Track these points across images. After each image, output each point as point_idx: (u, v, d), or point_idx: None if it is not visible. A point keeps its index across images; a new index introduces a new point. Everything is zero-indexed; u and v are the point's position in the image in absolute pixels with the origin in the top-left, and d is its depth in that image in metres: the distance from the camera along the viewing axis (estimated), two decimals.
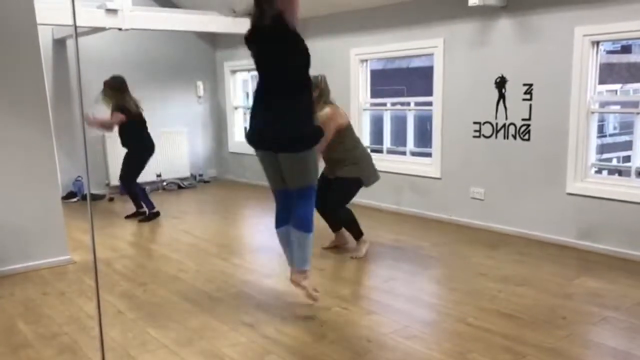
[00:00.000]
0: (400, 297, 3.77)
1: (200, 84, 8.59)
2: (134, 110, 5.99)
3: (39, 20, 4.39)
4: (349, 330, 3.25)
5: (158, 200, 7.28)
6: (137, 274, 4.36)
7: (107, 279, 4.21)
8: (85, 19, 5.85)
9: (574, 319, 3.35)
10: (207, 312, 3.55)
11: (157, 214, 6.21)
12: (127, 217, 6.25)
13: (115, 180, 7.18)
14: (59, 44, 7.29)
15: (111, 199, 7.42)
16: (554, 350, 2.94)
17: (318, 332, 3.22)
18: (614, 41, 6.25)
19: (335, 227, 4.86)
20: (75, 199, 7.32)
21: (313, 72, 7.18)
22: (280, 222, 3.60)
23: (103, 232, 5.63)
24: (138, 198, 6.21)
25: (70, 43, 7.32)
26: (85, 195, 7.32)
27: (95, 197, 7.41)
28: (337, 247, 4.89)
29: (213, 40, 8.64)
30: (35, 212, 4.43)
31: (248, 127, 3.54)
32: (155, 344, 3.11)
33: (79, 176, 7.43)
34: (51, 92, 6.33)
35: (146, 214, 6.16)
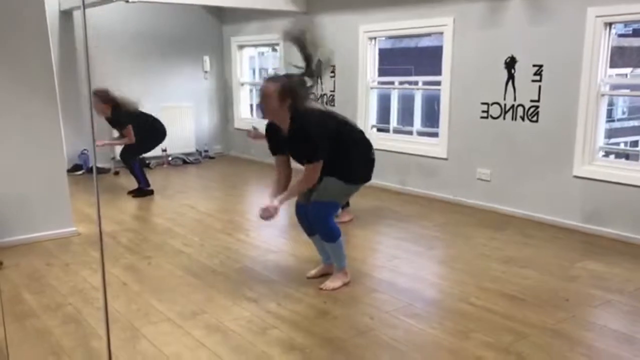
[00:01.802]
0: (403, 276, 3.77)
1: (206, 58, 8.53)
2: (133, 109, 5.94)
3: None
4: (352, 307, 3.26)
5: (163, 175, 7.30)
6: (141, 247, 4.38)
7: (112, 252, 4.23)
8: None
9: (577, 301, 3.35)
10: (211, 287, 3.57)
11: (150, 192, 6.15)
12: (130, 192, 6.24)
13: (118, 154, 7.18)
14: (66, 15, 7.24)
15: (116, 173, 7.43)
16: (556, 331, 2.94)
17: (321, 308, 3.24)
18: (626, 23, 6.16)
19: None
20: (80, 172, 7.33)
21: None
22: (312, 232, 3.67)
23: (108, 205, 5.65)
24: (134, 172, 6.17)
25: (77, 15, 7.27)
26: (91, 168, 7.34)
27: (101, 171, 7.41)
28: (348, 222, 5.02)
29: (220, 14, 8.56)
30: (41, 184, 4.44)
31: (364, 168, 3.61)
32: (159, 317, 3.13)
33: (84, 149, 7.44)
34: (57, 64, 6.30)
35: (140, 190, 6.13)
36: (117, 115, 5.88)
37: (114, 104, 5.85)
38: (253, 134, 5.24)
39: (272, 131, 3.51)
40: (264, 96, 3.30)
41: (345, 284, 3.53)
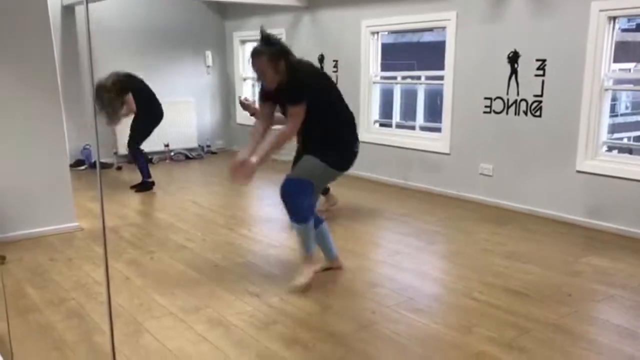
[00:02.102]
0: (405, 270, 3.77)
1: (209, 53, 8.52)
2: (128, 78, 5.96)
3: None
4: (354, 301, 3.26)
5: (165, 170, 7.31)
6: (144, 242, 4.38)
7: (115, 246, 4.23)
8: None
9: (580, 297, 3.34)
10: (214, 281, 3.57)
11: (151, 185, 6.13)
12: (133, 187, 6.24)
13: (122, 149, 7.19)
14: (68, 10, 7.23)
15: (119, 168, 7.43)
16: (559, 326, 2.94)
17: (323, 302, 3.24)
18: (630, 17, 6.14)
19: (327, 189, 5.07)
20: (83, 167, 7.34)
21: (324, 43, 7.12)
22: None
23: (111, 200, 5.66)
24: (139, 164, 6.16)
25: (79, 9, 7.26)
26: (93, 163, 7.35)
27: (103, 166, 7.43)
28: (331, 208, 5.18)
29: (222, 9, 8.55)
30: (44, 179, 4.44)
31: (345, 155, 3.49)
32: (161, 311, 3.13)
33: (87, 144, 7.44)
34: (60, 59, 6.29)
35: (146, 184, 6.12)
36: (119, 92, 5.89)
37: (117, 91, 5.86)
38: (245, 104, 5.06)
39: None
40: (260, 71, 3.31)
41: (317, 272, 3.49)
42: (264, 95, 3.50)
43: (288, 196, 3.32)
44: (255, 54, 3.34)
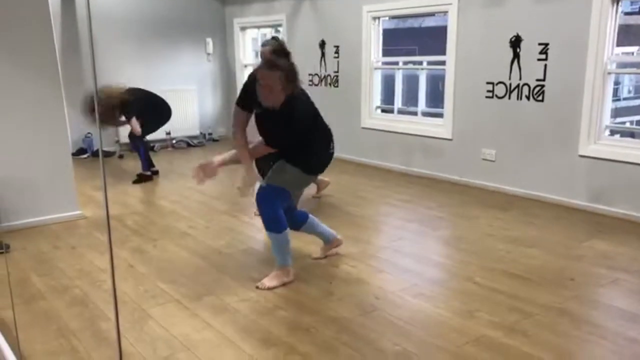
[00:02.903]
0: (408, 256, 3.78)
1: (209, 40, 8.49)
2: (133, 94, 5.91)
3: None
4: (357, 287, 3.27)
5: (168, 158, 7.31)
6: (147, 230, 4.39)
7: (118, 234, 4.25)
8: None
9: (583, 281, 3.35)
10: (217, 268, 3.58)
11: (148, 177, 6.08)
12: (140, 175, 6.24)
13: (124, 138, 7.19)
14: (67, 0, 7.19)
15: (121, 156, 7.44)
16: (561, 310, 2.95)
17: (326, 289, 3.25)
18: (632, 1, 6.09)
19: None
20: (85, 156, 7.35)
21: (325, 29, 7.08)
22: (296, 226, 3.59)
23: (113, 188, 5.66)
24: (140, 156, 6.16)
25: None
26: (95, 151, 7.35)
27: (106, 154, 7.43)
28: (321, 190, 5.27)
29: None
30: (46, 167, 4.45)
31: (321, 160, 3.47)
32: (165, 298, 3.15)
33: (88, 132, 7.44)
34: (60, 49, 6.28)
35: (142, 176, 6.10)
36: (122, 111, 5.85)
37: (119, 105, 5.78)
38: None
39: (252, 85, 3.20)
40: (267, 86, 3.05)
41: (285, 284, 3.29)
42: (246, 105, 3.32)
43: (264, 204, 3.25)
44: (270, 67, 3.09)
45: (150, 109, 6.04)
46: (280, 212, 3.27)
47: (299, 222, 3.58)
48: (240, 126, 3.41)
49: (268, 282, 3.28)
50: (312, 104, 3.40)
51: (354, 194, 5.36)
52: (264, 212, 3.26)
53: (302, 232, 3.64)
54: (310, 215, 3.66)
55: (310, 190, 5.15)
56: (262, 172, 4.04)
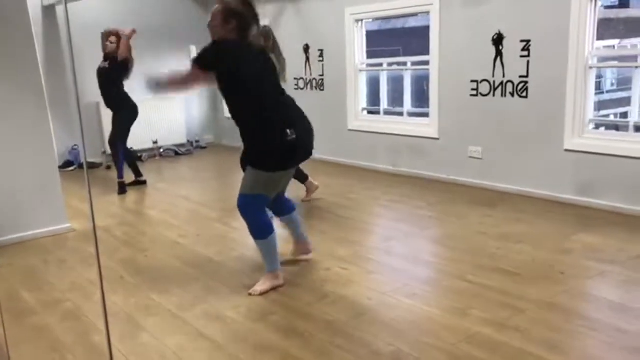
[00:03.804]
0: (399, 256, 3.79)
1: (193, 48, 8.42)
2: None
3: None
4: (349, 289, 3.28)
5: (155, 167, 7.28)
6: (137, 240, 4.38)
7: (108, 246, 4.23)
8: None
9: (572, 274, 3.38)
10: (209, 276, 3.58)
11: (123, 188, 5.96)
12: (129, 184, 6.21)
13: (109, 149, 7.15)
14: (49, 10, 7.17)
15: (108, 167, 7.40)
16: (553, 304, 2.97)
17: (319, 292, 3.25)
18: None
19: (304, 177, 5.13)
20: (72, 168, 7.31)
21: (309, 33, 7.11)
22: (278, 213, 3.59)
23: (102, 199, 5.64)
24: (133, 165, 6.14)
25: (60, 9, 7.19)
26: (82, 163, 7.31)
27: (92, 166, 7.39)
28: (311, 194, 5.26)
29: (206, 2, 8.49)
30: (33, 181, 4.42)
31: (281, 153, 3.13)
32: (158, 308, 3.14)
33: (75, 145, 7.40)
34: (43, 60, 6.23)
35: (142, 182, 6.09)
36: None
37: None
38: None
39: None
40: (212, 15, 3.21)
41: (276, 288, 3.29)
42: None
43: (243, 213, 3.23)
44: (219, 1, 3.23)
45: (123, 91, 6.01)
46: (263, 218, 3.25)
47: (284, 209, 3.57)
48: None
49: (259, 287, 3.27)
50: (243, 51, 3.14)
51: (343, 196, 5.37)
52: (247, 222, 3.26)
53: (282, 221, 3.63)
54: (296, 212, 3.66)
55: (300, 193, 5.16)
56: None
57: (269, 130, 3.10)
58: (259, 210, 3.24)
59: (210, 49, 3.13)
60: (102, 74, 5.93)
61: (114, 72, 5.85)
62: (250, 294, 3.25)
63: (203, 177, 6.83)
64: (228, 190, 6.06)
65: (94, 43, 6.05)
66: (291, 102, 3.32)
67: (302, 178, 5.13)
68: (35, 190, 4.43)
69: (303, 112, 3.31)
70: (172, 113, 8.24)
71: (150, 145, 7.84)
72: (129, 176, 6.21)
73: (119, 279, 3.60)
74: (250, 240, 4.20)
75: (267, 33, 4.65)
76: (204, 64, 3.12)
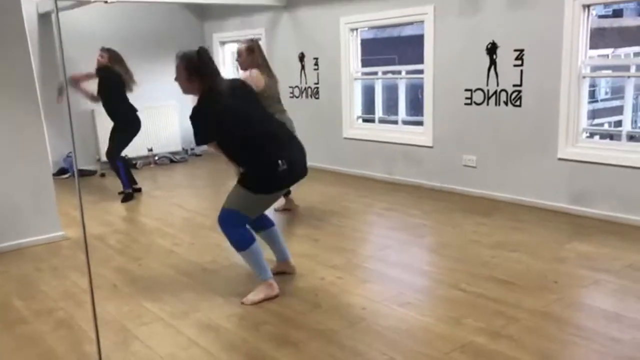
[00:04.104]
0: (393, 265, 3.79)
1: None
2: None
3: None
4: (343, 298, 3.27)
5: (150, 175, 7.27)
6: (131, 249, 4.36)
7: (102, 254, 4.21)
8: None
9: (566, 283, 3.38)
10: (202, 285, 3.57)
11: (130, 196, 5.98)
12: (120, 192, 6.20)
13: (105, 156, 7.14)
14: (44, 18, 7.17)
15: (102, 175, 7.39)
16: (546, 313, 2.98)
17: (313, 301, 3.25)
18: (605, 4, 6.20)
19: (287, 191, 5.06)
20: (66, 175, 7.28)
21: (304, 42, 7.12)
22: (257, 229, 3.49)
23: (96, 207, 5.62)
24: (119, 175, 6.11)
25: (56, 17, 7.19)
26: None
27: (87, 173, 7.38)
28: (287, 210, 5.16)
29: (201, 11, 8.52)
30: (27, 189, 4.40)
31: (268, 178, 3.19)
32: (151, 317, 3.12)
33: (69, 152, 7.38)
34: (38, 68, 6.24)
35: (125, 195, 6.04)
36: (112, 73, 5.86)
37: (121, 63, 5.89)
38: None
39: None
40: (176, 71, 3.33)
41: (271, 298, 3.26)
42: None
43: (222, 226, 3.27)
44: (177, 57, 3.40)
45: (125, 102, 5.99)
46: (241, 230, 3.27)
47: (263, 224, 3.53)
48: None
49: (252, 296, 3.26)
50: (220, 102, 3.20)
51: (338, 204, 5.37)
52: (226, 236, 3.28)
53: (260, 237, 3.52)
54: (275, 227, 3.59)
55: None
56: None
57: (260, 165, 3.19)
58: (237, 224, 3.27)
59: (197, 123, 3.18)
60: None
61: (99, 86, 5.86)
62: (242, 303, 3.24)
63: (197, 185, 6.82)
64: (222, 198, 6.01)
65: (89, 51, 6.05)
66: (279, 127, 3.41)
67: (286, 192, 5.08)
68: (29, 197, 4.42)
69: (292, 133, 3.42)
70: (167, 121, 8.24)
71: (145, 152, 7.83)
72: (120, 186, 6.18)
73: (113, 287, 3.59)
74: None
75: (251, 47, 4.72)
76: (207, 139, 3.25)
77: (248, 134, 3.18)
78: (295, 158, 3.24)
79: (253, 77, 4.58)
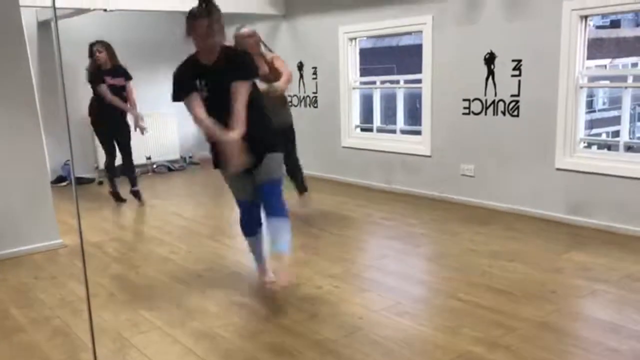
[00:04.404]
0: (391, 274, 3.79)
1: None
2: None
3: (21, 2, 4.32)
4: (340, 307, 3.27)
5: (148, 183, 7.26)
6: (128, 257, 4.36)
7: (99, 262, 4.20)
8: (68, 1, 5.75)
9: (564, 293, 3.38)
10: (199, 293, 3.56)
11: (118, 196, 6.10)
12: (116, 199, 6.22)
13: (103, 164, 7.14)
14: (44, 26, 7.18)
15: (100, 183, 7.38)
16: (544, 323, 2.97)
17: (310, 310, 3.24)
18: (602, 15, 6.23)
19: (302, 186, 5.17)
20: (64, 183, 7.28)
21: (303, 51, 7.15)
22: (252, 230, 3.53)
23: (93, 215, 5.62)
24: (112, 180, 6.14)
25: (55, 25, 7.21)
26: (75, 178, 7.29)
27: (85, 181, 7.37)
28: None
29: None
30: (25, 196, 4.40)
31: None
32: (147, 326, 3.11)
33: (67, 160, 7.38)
34: (37, 76, 6.25)
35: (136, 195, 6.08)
36: (119, 67, 5.91)
37: (113, 59, 5.92)
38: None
39: (187, 69, 3.34)
40: (203, 35, 3.10)
41: (263, 282, 3.55)
42: (189, 87, 3.27)
43: (276, 195, 3.36)
44: (203, 12, 3.09)
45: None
46: (243, 218, 3.50)
47: (254, 228, 3.56)
48: (202, 107, 3.28)
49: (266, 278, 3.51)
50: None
51: (336, 213, 5.37)
52: (278, 201, 3.37)
53: (250, 241, 3.60)
54: (263, 233, 3.56)
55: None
56: None
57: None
58: (241, 212, 3.51)
59: (251, 59, 3.32)
60: None
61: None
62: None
63: (195, 194, 6.82)
64: (220, 206, 6.05)
65: (87, 59, 6.05)
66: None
67: (302, 188, 5.17)
68: (27, 205, 4.41)
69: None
70: (165, 129, 8.25)
71: (143, 161, 7.83)
72: (122, 192, 6.19)
73: (110, 295, 3.58)
74: (241, 258, 4.20)
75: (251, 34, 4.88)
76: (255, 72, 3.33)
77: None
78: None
79: (279, 59, 4.73)
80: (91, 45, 5.90)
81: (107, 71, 5.85)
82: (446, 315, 3.12)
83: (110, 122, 5.90)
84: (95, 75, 5.84)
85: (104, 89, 5.76)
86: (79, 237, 1.74)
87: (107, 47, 5.92)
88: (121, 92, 5.89)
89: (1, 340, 3.00)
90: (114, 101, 5.77)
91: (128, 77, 5.98)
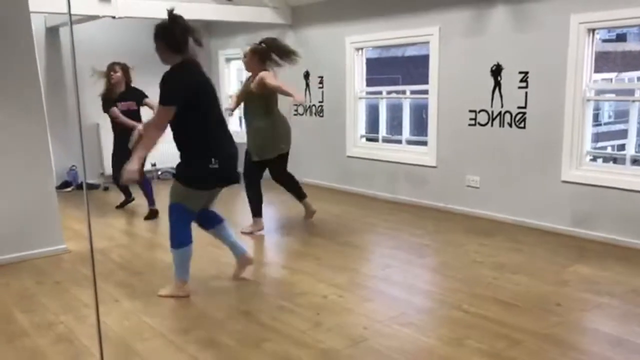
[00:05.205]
0: (396, 284, 3.78)
1: None
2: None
3: (31, 8, 4.35)
4: (345, 317, 3.26)
5: (154, 190, 7.25)
6: (133, 263, 4.36)
7: (103, 268, 4.20)
8: (78, 7, 5.79)
9: (569, 306, 3.36)
10: (203, 301, 3.55)
11: (155, 213, 5.99)
12: (117, 206, 6.25)
13: (109, 170, 7.15)
14: (52, 32, 7.23)
15: (106, 189, 7.39)
16: (549, 336, 2.96)
17: (314, 319, 3.23)
18: (609, 29, 6.24)
19: (302, 193, 5.28)
20: (69, 189, 7.30)
21: (309, 60, 7.17)
22: (206, 226, 3.80)
23: (98, 221, 5.62)
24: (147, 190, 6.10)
25: (63, 31, 7.26)
26: (80, 184, 7.31)
27: (90, 187, 7.39)
28: (308, 218, 5.40)
29: (207, 28, 8.58)
30: (30, 201, 4.41)
31: (201, 173, 3.47)
32: (151, 333, 3.11)
33: (73, 165, 7.41)
34: (45, 81, 6.28)
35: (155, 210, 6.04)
36: (132, 90, 5.94)
37: (128, 80, 5.96)
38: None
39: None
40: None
41: (178, 297, 3.56)
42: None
43: (169, 217, 3.53)
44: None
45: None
46: (183, 229, 3.51)
47: (212, 222, 3.75)
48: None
49: (162, 291, 3.61)
50: (194, 76, 3.52)
51: (340, 222, 5.37)
52: (171, 228, 3.52)
53: (210, 233, 3.80)
54: (225, 222, 3.80)
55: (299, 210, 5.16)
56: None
57: (195, 155, 3.50)
58: (182, 220, 3.49)
59: (170, 82, 3.46)
60: None
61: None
62: (158, 293, 3.58)
63: None
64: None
65: (97, 64, 6.08)
66: (225, 129, 3.66)
67: (301, 195, 5.24)
68: (32, 210, 4.42)
69: (233, 141, 3.62)
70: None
71: (148, 167, 7.83)
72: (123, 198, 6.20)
73: (114, 302, 3.58)
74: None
75: (255, 50, 4.94)
76: (173, 101, 3.48)
77: (204, 118, 3.46)
78: (227, 164, 3.50)
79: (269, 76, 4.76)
80: (109, 66, 5.91)
81: (120, 96, 5.87)
82: (451, 327, 3.11)
83: (125, 142, 5.93)
84: (107, 101, 5.87)
85: (114, 111, 5.80)
86: (89, 244, 1.74)
87: (124, 67, 5.94)
88: (134, 114, 5.90)
89: (5, 344, 3.00)
90: (125, 122, 5.79)
91: (140, 101, 5.95)
